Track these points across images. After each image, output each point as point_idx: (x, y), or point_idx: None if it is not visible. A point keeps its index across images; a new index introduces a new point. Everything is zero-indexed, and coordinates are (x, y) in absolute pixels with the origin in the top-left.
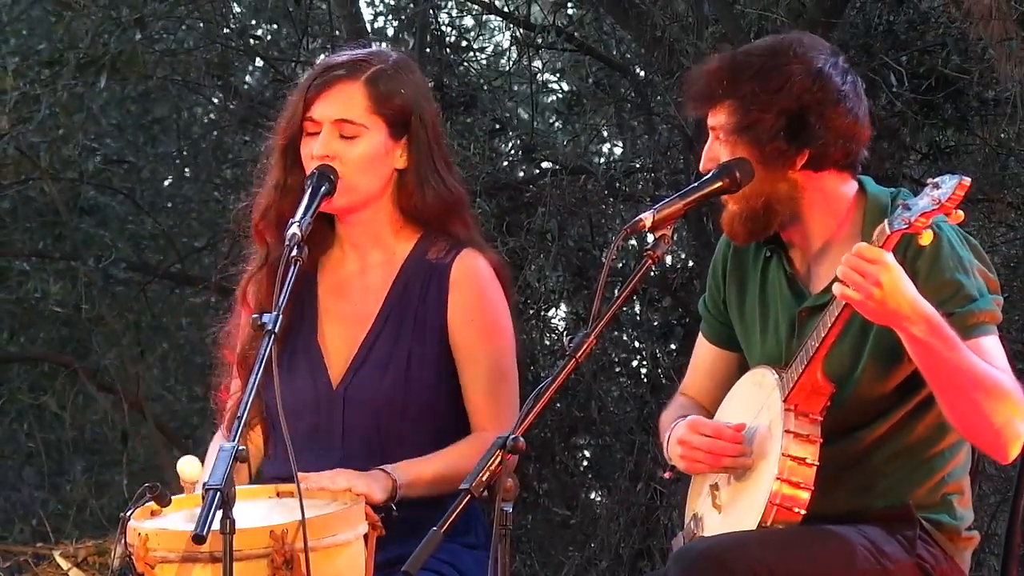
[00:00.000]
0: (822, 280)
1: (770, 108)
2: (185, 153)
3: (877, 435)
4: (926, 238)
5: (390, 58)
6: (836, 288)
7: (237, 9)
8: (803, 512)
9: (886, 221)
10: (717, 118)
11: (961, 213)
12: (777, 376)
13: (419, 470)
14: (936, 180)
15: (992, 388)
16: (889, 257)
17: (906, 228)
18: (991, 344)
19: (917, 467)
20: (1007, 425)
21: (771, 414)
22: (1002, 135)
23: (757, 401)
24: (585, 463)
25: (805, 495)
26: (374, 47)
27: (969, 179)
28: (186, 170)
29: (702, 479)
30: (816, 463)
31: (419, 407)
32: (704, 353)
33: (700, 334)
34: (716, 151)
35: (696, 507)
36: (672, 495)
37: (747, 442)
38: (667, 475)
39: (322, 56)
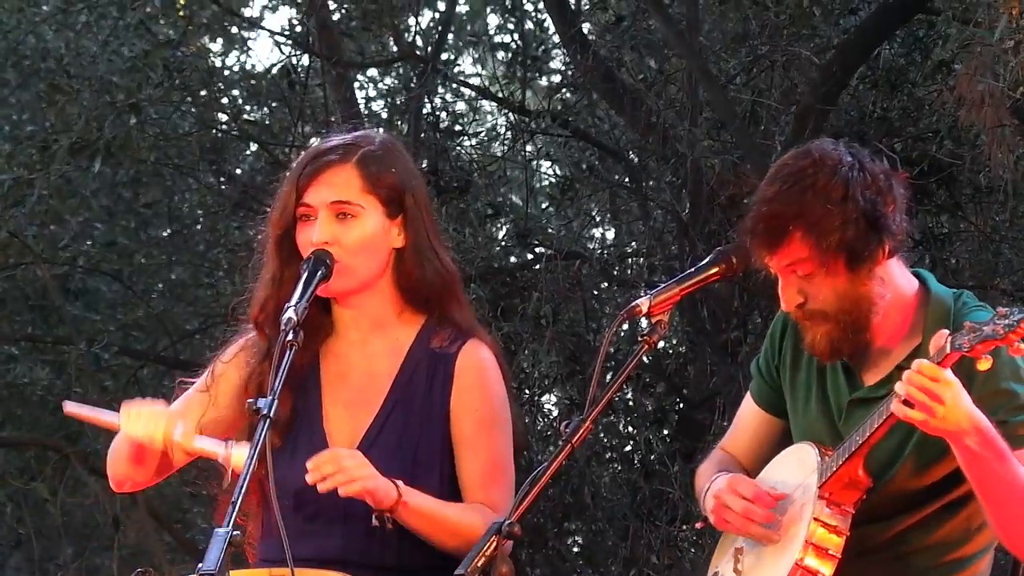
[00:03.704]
0: (878, 373)
1: (847, 220)
2: (177, 237)
3: (904, 527)
4: (983, 365)
5: (377, 139)
6: (896, 408)
7: (232, 93)
8: None
9: (948, 339)
10: (791, 254)
11: (1022, 347)
12: (819, 458)
13: (423, 500)
14: (1005, 311)
15: None
16: (950, 374)
17: (967, 351)
18: None
19: (937, 567)
20: None
21: (805, 496)
22: (994, 221)
23: (796, 478)
24: (577, 549)
25: None
26: (360, 130)
27: None
28: (177, 256)
29: (731, 539)
30: (838, 556)
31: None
32: (749, 414)
33: (748, 394)
34: (794, 286)
35: (719, 566)
36: None
37: (779, 515)
38: (699, 526)
39: (314, 141)
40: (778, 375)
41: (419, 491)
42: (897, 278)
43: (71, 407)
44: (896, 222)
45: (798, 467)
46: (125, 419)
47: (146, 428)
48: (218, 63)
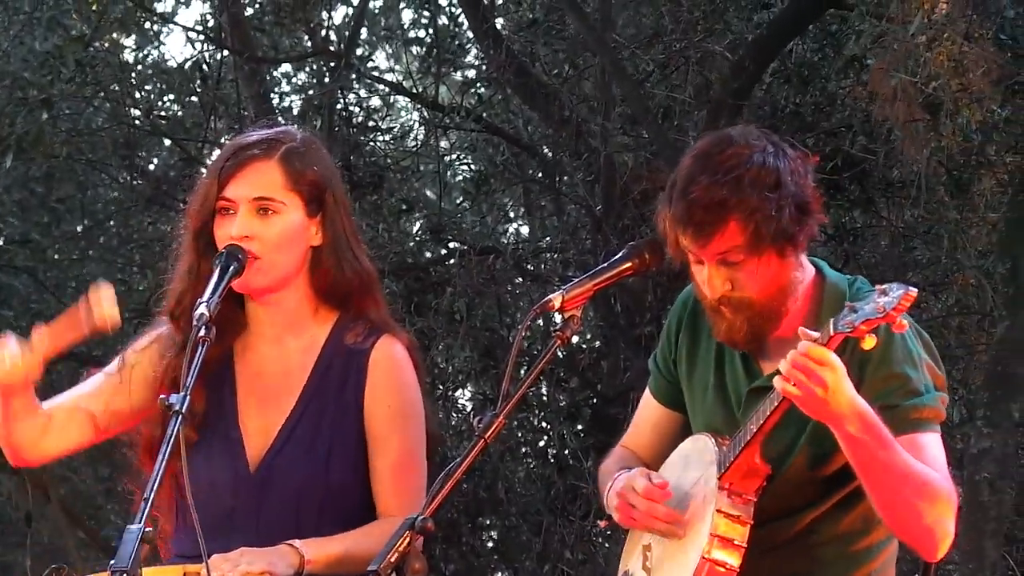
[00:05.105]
0: (775, 362)
1: (782, 206)
2: (90, 233)
3: (809, 520)
4: (868, 343)
5: (299, 136)
6: (777, 382)
7: (145, 89)
8: None
9: (831, 321)
10: (725, 242)
11: (905, 323)
12: (717, 449)
13: (327, 548)
14: (884, 287)
15: (924, 488)
16: (834, 358)
17: (849, 332)
18: (930, 441)
19: (845, 557)
20: (937, 525)
21: (706, 488)
22: (907, 217)
23: (696, 470)
24: (491, 544)
25: None
26: (281, 126)
27: (916, 290)
28: (91, 251)
29: (637, 536)
30: (744, 545)
31: (338, 492)
32: (649, 409)
33: (647, 389)
34: (723, 275)
35: (629, 564)
36: None
37: (681, 510)
38: (603, 525)
39: (228, 136)
40: (675, 369)
41: (320, 540)
42: (804, 265)
43: None
44: (819, 206)
45: (697, 459)
46: None
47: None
48: (131, 58)
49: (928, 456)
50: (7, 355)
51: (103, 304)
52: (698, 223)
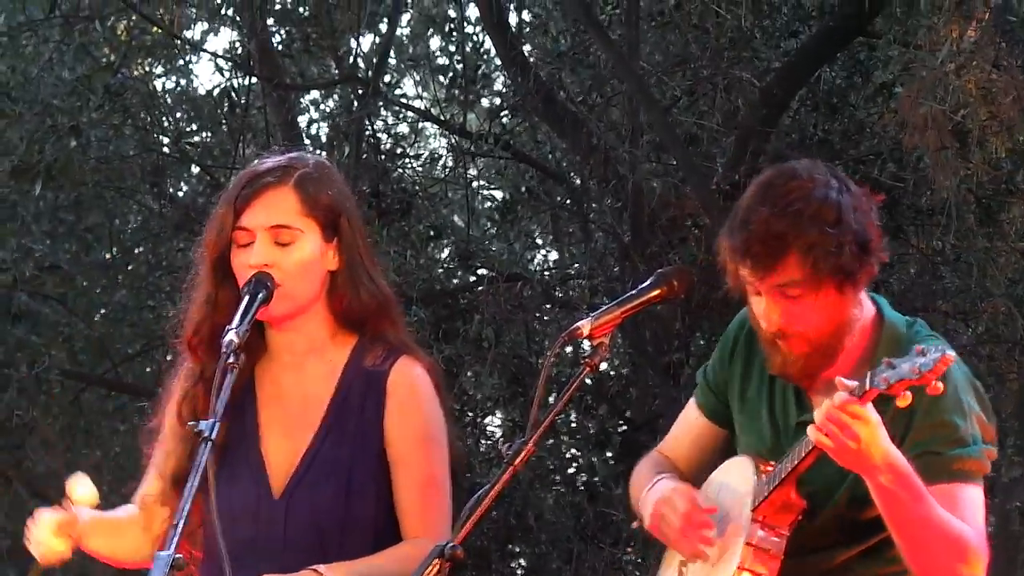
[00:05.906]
0: (827, 397)
1: (842, 243)
2: (118, 260)
3: (847, 556)
4: (903, 401)
5: (311, 161)
6: (811, 432)
7: (174, 116)
8: None
9: (868, 375)
10: (784, 275)
11: (940, 385)
12: (756, 479)
13: (350, 572)
14: (923, 348)
15: (955, 544)
16: (869, 411)
17: (884, 389)
18: (969, 495)
19: None
20: None
21: (741, 518)
22: (936, 245)
23: (736, 493)
24: (521, 572)
25: None
26: (293, 153)
27: (953, 354)
28: (119, 278)
29: (675, 553)
30: None
31: (361, 517)
32: (692, 420)
33: (692, 400)
34: (780, 307)
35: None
36: None
37: (718, 532)
38: (635, 525)
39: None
40: (726, 387)
41: (343, 564)
42: (863, 302)
43: None
44: (881, 245)
45: (741, 483)
46: (36, 550)
47: (50, 552)
48: (159, 86)
49: (964, 510)
50: (37, 539)
51: (76, 488)
52: (756, 255)
